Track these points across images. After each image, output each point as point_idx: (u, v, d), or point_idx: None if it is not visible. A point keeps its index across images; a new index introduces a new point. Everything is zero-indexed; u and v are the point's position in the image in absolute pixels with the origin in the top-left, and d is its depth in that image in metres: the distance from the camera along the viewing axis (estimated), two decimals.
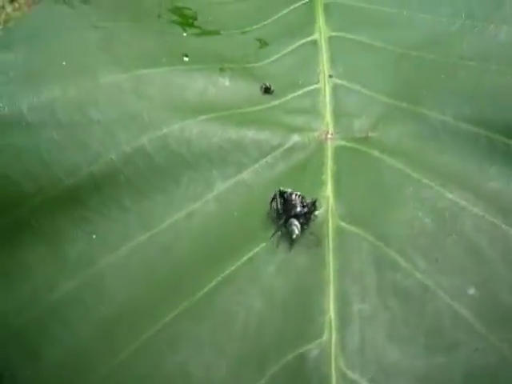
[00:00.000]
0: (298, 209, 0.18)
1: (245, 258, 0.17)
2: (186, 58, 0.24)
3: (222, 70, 0.24)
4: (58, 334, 0.17)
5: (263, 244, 0.17)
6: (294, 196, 0.18)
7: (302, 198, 0.18)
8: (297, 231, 0.17)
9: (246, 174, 0.20)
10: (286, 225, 0.18)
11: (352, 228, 0.17)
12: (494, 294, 0.15)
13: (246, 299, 0.16)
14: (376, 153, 0.20)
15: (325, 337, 0.15)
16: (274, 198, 0.19)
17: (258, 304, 0.16)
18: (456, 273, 0.16)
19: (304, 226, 0.18)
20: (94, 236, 0.19)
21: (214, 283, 0.17)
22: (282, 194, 0.19)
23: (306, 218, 0.18)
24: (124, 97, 0.21)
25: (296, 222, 0.18)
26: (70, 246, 0.19)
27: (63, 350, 0.16)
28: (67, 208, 0.19)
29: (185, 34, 0.26)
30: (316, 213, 0.18)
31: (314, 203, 0.18)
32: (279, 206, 0.18)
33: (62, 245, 0.19)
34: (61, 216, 0.19)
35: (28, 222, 0.19)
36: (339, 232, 0.17)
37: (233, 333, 0.15)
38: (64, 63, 0.22)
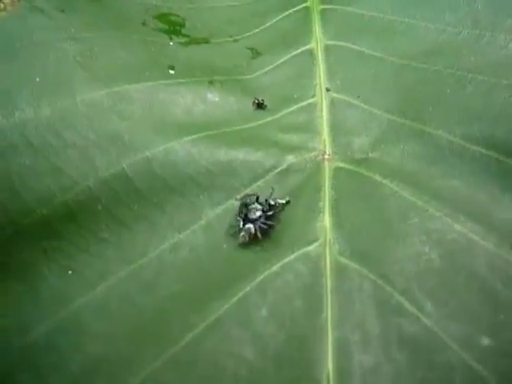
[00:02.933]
0: (257, 213, 0.17)
1: (234, 299, 0.15)
2: (171, 71, 0.23)
3: (210, 83, 0.22)
4: None
5: (254, 282, 0.16)
6: (255, 204, 0.18)
7: (266, 201, 0.18)
8: (247, 236, 0.17)
9: (235, 201, 0.19)
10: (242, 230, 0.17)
11: (353, 265, 0.16)
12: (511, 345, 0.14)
13: (235, 348, 0.14)
14: (377, 177, 0.19)
15: None
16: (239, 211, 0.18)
17: (249, 354, 0.14)
18: (467, 319, 0.14)
19: (268, 228, 0.17)
20: (70, 272, 0.17)
21: (200, 328, 0.15)
22: (245, 204, 0.18)
23: (267, 219, 0.17)
24: (103, 116, 0.19)
25: (250, 226, 0.17)
26: (43, 282, 0.17)
27: None
28: (40, 240, 0.18)
29: (171, 43, 0.25)
30: (314, 245, 0.17)
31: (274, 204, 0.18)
32: (241, 215, 0.18)
33: (35, 281, 0.17)
34: (33, 249, 0.18)
35: None
36: (338, 269, 0.16)
37: None
38: (38, 79, 0.20)
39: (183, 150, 0.19)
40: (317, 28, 0.26)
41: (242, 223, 0.18)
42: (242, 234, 0.18)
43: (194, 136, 0.20)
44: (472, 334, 0.14)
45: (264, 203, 0.18)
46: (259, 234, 0.18)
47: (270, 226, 0.18)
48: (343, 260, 0.16)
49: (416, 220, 0.17)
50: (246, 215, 0.18)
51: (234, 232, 0.18)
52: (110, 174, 0.18)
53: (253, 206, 0.18)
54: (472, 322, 0.14)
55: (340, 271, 0.16)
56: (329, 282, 0.16)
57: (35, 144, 0.18)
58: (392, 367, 0.13)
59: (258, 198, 0.18)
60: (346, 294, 0.15)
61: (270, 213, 0.18)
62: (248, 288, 0.16)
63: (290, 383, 0.13)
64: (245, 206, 0.18)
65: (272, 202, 0.18)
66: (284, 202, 0.18)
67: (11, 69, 0.20)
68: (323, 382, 0.14)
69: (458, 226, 0.16)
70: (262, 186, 0.19)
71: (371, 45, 0.24)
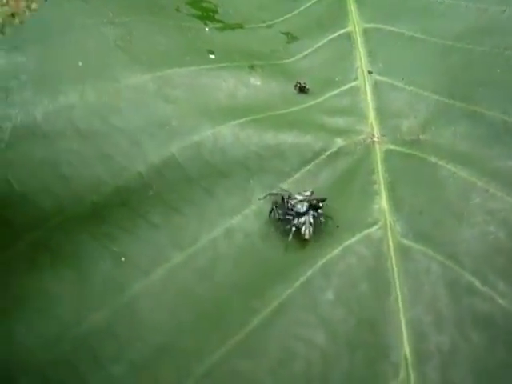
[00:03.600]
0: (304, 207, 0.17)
1: (297, 283, 0.15)
2: (211, 56, 0.22)
3: (251, 67, 0.22)
4: (88, 374, 0.15)
5: (316, 266, 0.16)
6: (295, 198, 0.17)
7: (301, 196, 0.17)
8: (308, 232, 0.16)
9: (287, 185, 0.18)
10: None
11: (417, 246, 0.16)
12: None
13: (305, 332, 0.14)
14: (432, 158, 0.18)
15: (401, 376, 0.13)
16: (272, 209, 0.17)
17: (320, 338, 0.14)
18: None
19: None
20: (123, 258, 0.17)
21: (264, 314, 0.15)
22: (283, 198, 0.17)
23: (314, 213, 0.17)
24: (148, 101, 0.19)
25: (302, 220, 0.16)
26: (96, 269, 0.17)
27: None
28: (91, 227, 0.17)
29: (207, 29, 0.24)
30: (374, 228, 0.16)
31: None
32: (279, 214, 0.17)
33: (87, 268, 0.17)
34: (84, 236, 0.17)
35: (47, 245, 0.17)
36: (403, 251, 0.15)
37: (295, 372, 0.13)
38: (80, 64, 0.19)
39: (231, 134, 0.19)
40: (353, 11, 0.25)
41: (292, 218, 0.17)
42: (294, 229, 0.17)
43: (240, 120, 0.19)
44: None
45: (304, 196, 0.17)
46: (309, 230, 0.17)
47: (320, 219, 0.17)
48: (406, 242, 0.16)
49: (478, 200, 0.16)
50: (291, 209, 0.17)
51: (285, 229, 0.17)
52: (159, 159, 0.18)
53: (295, 200, 0.17)
54: None
55: (404, 253, 0.15)
56: (394, 265, 0.15)
57: (82, 129, 0.18)
58: (469, 348, 0.13)
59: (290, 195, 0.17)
60: (413, 276, 0.15)
61: (317, 205, 0.17)
62: (310, 272, 0.15)
63: (365, 367, 0.13)
64: (285, 200, 0.17)
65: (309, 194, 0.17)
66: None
67: (53, 54, 0.19)
68: (401, 364, 0.13)
69: None
70: (312, 169, 0.19)
71: (410, 26, 0.24)
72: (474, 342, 0.13)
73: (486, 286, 0.14)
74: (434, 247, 0.15)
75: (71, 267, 0.17)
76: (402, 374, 0.13)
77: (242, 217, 0.18)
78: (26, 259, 0.17)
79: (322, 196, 0.18)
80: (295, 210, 0.17)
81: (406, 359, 0.13)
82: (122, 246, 0.17)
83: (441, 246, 0.15)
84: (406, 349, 0.13)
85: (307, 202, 0.17)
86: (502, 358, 0.13)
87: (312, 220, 0.17)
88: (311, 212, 0.17)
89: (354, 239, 0.16)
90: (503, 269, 0.15)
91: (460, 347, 0.13)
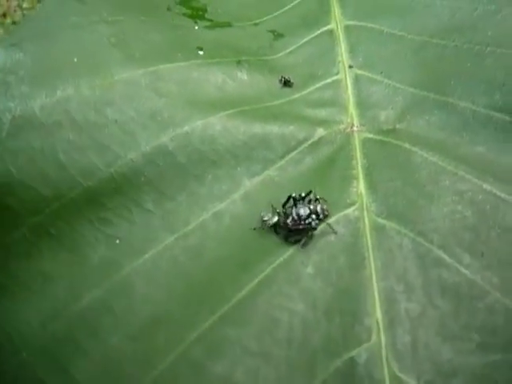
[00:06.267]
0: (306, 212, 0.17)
1: (280, 259, 0.16)
2: (200, 52, 0.24)
3: (238, 63, 0.23)
4: (88, 346, 0.16)
5: (297, 244, 0.17)
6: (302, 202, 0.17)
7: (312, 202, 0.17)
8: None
9: (272, 171, 0.20)
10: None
11: (391, 224, 0.17)
12: None
13: (287, 302, 0.15)
14: (407, 145, 0.19)
15: (373, 339, 0.14)
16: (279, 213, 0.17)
17: (301, 307, 0.15)
18: (504, 268, 0.15)
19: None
20: (118, 241, 0.18)
21: (251, 286, 0.16)
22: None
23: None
24: (141, 94, 0.20)
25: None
26: (92, 251, 0.18)
27: (94, 364, 0.15)
28: (87, 212, 0.19)
29: (196, 27, 0.25)
30: (351, 209, 0.17)
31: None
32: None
33: (84, 250, 0.18)
34: (80, 220, 0.18)
35: (46, 230, 0.18)
36: (377, 229, 0.17)
37: (278, 337, 0.15)
38: (75, 60, 0.21)
39: (220, 124, 0.20)
40: (335, 9, 0.27)
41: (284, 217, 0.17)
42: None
43: (228, 111, 0.20)
44: (510, 280, 0.15)
45: (312, 204, 0.17)
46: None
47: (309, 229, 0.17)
48: (381, 221, 0.17)
49: (447, 182, 0.18)
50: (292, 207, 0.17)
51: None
52: (151, 148, 0.19)
53: (301, 204, 0.17)
54: (509, 271, 0.15)
55: (379, 231, 0.17)
56: (369, 241, 0.16)
57: (78, 120, 0.19)
58: (437, 313, 0.14)
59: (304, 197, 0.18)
60: (386, 251, 0.16)
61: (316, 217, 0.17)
62: (292, 249, 0.17)
63: (342, 331, 0.14)
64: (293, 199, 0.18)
65: (318, 209, 0.17)
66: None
67: (50, 50, 0.20)
68: (374, 328, 0.15)
69: (487, 186, 0.17)
70: (295, 157, 0.20)
71: (389, 24, 0.25)
72: (440, 308, 0.15)
73: (452, 259, 0.16)
74: (405, 225, 0.17)
75: (69, 250, 0.18)
76: (375, 336, 0.15)
77: (230, 201, 0.19)
78: (26, 243, 0.18)
79: (304, 182, 0.19)
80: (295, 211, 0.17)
81: (377, 323, 0.15)
82: (117, 229, 0.18)
83: (412, 223, 0.17)
84: (379, 315, 0.15)
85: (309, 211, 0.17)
86: (465, 321, 0.14)
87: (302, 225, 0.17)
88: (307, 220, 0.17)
89: (332, 219, 0.17)
90: (469, 243, 0.16)
91: (428, 313, 0.15)
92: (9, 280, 0.18)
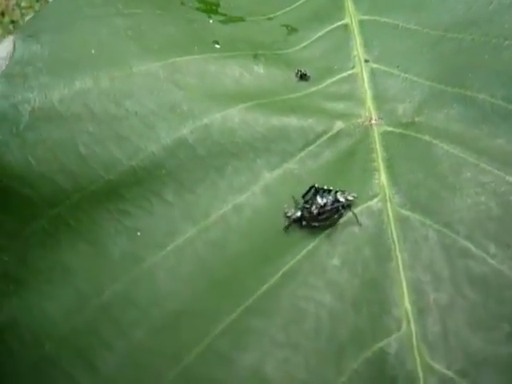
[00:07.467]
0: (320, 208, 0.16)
1: (304, 251, 0.16)
2: (217, 46, 0.23)
3: (255, 56, 0.23)
4: (112, 339, 0.16)
5: (322, 234, 0.17)
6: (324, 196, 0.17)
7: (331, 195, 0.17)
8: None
9: (292, 164, 0.20)
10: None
11: (415, 216, 0.17)
12: None
13: (313, 293, 0.15)
14: (427, 137, 0.19)
15: (403, 329, 0.14)
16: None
17: (328, 298, 0.15)
18: None
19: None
20: (139, 233, 0.18)
21: (276, 278, 0.16)
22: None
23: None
24: (160, 86, 0.20)
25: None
26: (112, 243, 0.18)
27: (119, 357, 0.15)
28: (107, 204, 0.18)
29: (211, 21, 0.25)
30: (374, 201, 0.17)
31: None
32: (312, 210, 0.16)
33: (104, 242, 0.18)
34: (101, 213, 0.18)
35: (66, 222, 0.18)
36: (401, 220, 0.17)
37: (306, 328, 0.14)
38: (93, 52, 0.20)
39: (238, 116, 0.20)
40: (349, 4, 0.27)
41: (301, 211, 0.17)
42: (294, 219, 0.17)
43: (246, 104, 0.20)
44: None
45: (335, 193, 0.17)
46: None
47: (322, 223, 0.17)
48: (405, 212, 0.17)
49: (469, 174, 0.18)
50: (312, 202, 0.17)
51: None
52: (172, 140, 0.19)
53: (324, 193, 0.17)
54: None
55: (403, 222, 0.17)
56: (394, 233, 0.16)
57: (97, 113, 0.19)
58: (465, 303, 0.14)
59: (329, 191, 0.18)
60: (412, 242, 0.16)
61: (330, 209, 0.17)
62: (317, 241, 0.17)
63: (370, 322, 0.14)
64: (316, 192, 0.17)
65: (341, 199, 0.17)
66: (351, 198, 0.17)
67: (67, 42, 0.20)
68: (403, 318, 0.15)
69: (509, 178, 0.17)
70: (314, 150, 0.20)
71: (404, 18, 0.25)
72: (468, 298, 0.15)
73: (478, 249, 0.16)
74: (430, 217, 0.17)
75: (89, 242, 0.18)
76: (404, 326, 0.15)
77: (251, 193, 0.19)
78: (45, 235, 0.18)
79: (324, 175, 0.19)
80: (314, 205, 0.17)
81: (407, 314, 0.15)
82: (138, 221, 0.18)
83: (437, 215, 0.17)
84: (407, 305, 0.15)
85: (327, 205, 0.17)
86: (494, 310, 0.14)
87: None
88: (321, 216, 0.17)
89: (356, 211, 0.17)
90: (494, 234, 0.16)
91: (457, 302, 0.15)
92: (28, 272, 0.18)
